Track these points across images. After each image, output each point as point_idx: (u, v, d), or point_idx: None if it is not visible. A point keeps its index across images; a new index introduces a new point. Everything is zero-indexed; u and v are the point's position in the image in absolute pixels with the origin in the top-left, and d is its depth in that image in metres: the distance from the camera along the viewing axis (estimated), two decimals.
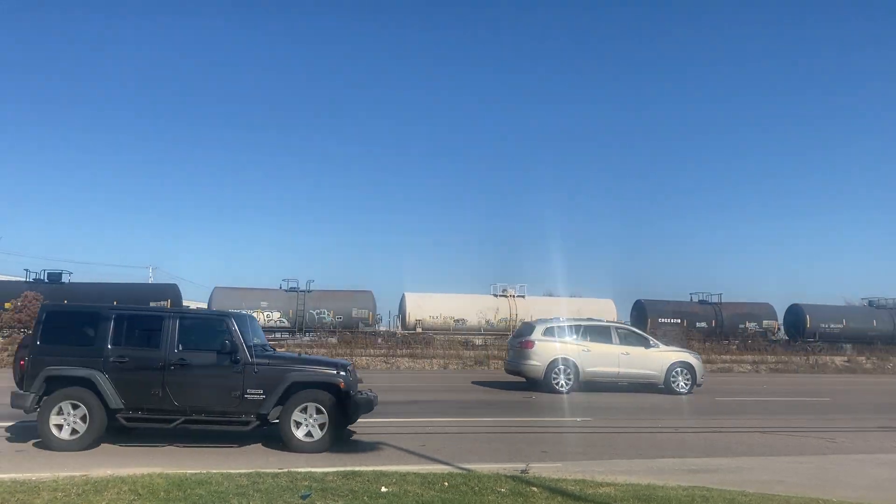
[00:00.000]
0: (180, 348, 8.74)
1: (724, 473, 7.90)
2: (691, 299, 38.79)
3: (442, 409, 13.17)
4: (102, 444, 8.70)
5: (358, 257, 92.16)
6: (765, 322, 37.38)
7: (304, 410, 8.68)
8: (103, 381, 8.48)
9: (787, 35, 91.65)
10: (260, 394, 8.66)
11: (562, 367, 16.60)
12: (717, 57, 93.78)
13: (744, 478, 7.63)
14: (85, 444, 8.41)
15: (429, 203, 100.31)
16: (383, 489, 6.29)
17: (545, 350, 16.82)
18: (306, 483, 6.40)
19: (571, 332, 17.34)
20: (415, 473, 7.01)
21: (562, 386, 16.48)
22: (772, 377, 26.14)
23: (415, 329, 34.14)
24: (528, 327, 18.32)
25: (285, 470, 6.99)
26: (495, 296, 36.80)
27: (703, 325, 36.69)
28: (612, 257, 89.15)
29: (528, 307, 35.62)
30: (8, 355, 23.37)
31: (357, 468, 7.19)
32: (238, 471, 6.93)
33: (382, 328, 36.17)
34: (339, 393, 8.81)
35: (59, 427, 8.44)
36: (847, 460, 9.04)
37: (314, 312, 34.14)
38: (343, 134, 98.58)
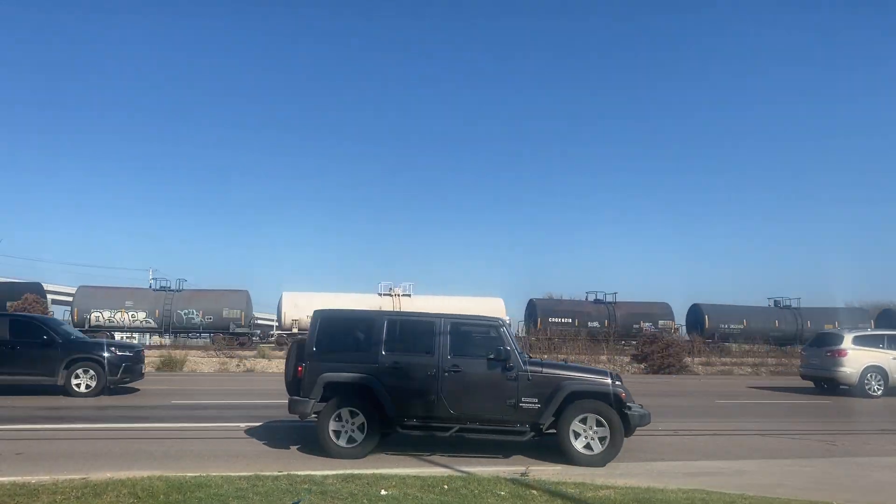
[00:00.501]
0: (453, 355, 8.52)
1: (724, 476, 7.90)
2: (587, 298, 38.19)
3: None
4: (101, 445, 8.71)
5: (245, 256, 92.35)
6: (661, 322, 36.85)
7: (584, 421, 8.37)
8: (380, 389, 8.35)
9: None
10: (535, 403, 8.36)
11: (874, 374, 18.32)
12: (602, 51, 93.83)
13: (744, 481, 7.63)
14: (364, 452, 8.33)
15: (323, 203, 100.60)
16: (383, 492, 6.29)
17: (858, 358, 18.45)
18: (306, 486, 6.40)
19: (879, 341, 19.05)
20: (414, 476, 7.01)
21: (875, 391, 18.17)
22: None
23: (291, 329, 33.45)
24: (836, 337, 19.59)
25: (285, 473, 6.99)
26: (380, 295, 35.88)
27: (596, 324, 36.13)
28: (504, 256, 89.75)
29: (414, 306, 34.70)
30: None
31: (356, 471, 7.19)
32: (237, 473, 6.92)
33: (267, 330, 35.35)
34: (619, 404, 8.41)
35: (338, 434, 8.39)
36: (848, 463, 9.03)
37: (182, 313, 33.52)
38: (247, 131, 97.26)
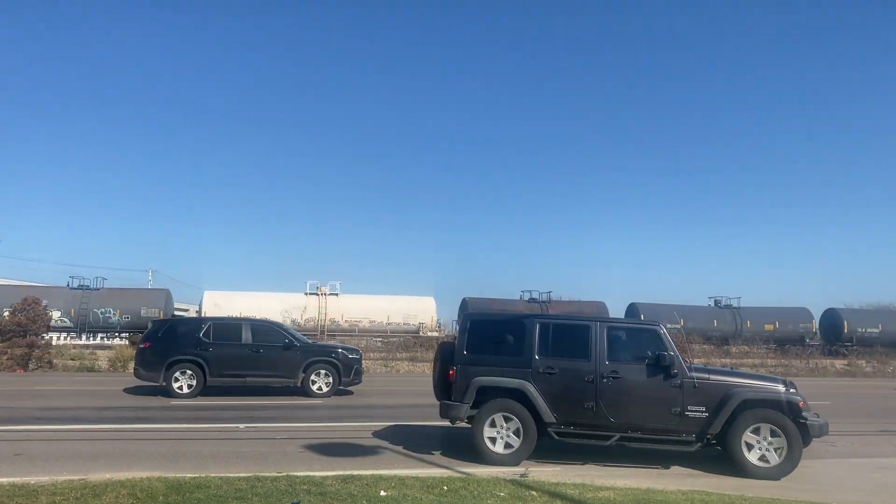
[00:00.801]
0: (611, 360, 8.27)
1: (724, 477, 7.89)
2: (521, 297, 37.46)
3: None
4: (100, 446, 8.70)
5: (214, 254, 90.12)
6: None
7: (756, 432, 8.00)
8: (535, 393, 8.20)
9: None
10: (702, 411, 8.02)
11: None
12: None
13: (743, 482, 7.62)
14: (519, 459, 8.15)
15: (249, 201, 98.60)
16: (382, 493, 6.28)
17: None
18: (305, 487, 6.39)
19: None
20: (414, 477, 7.00)
21: None
22: None
23: None
24: None
25: (284, 474, 6.98)
26: (306, 294, 35.31)
27: None
28: (438, 256, 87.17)
29: (342, 305, 34.69)
30: (7, 358, 23.38)
31: (356, 472, 7.18)
32: (236, 474, 6.92)
33: None
34: (793, 412, 7.99)
35: (493, 440, 8.27)
36: (848, 464, 9.02)
37: (99, 312, 32.74)
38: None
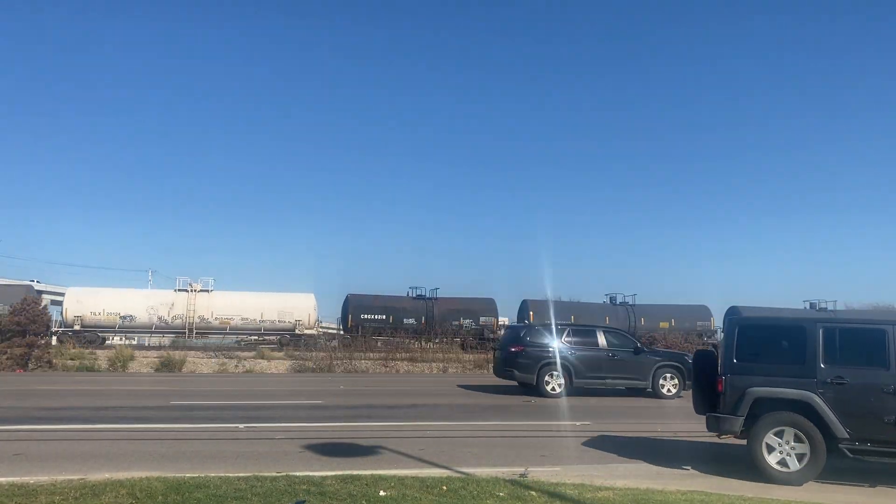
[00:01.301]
0: None
1: (723, 477, 7.89)
2: (409, 294, 36.90)
3: None
4: (99, 445, 8.70)
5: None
6: (482, 318, 35.90)
7: None
8: (822, 406, 7.48)
9: None
10: None
11: None
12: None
13: (742, 483, 7.62)
14: (806, 478, 7.52)
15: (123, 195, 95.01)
16: (382, 493, 6.27)
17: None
18: (304, 487, 6.38)
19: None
20: (413, 477, 7.00)
21: None
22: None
23: (73, 326, 32.29)
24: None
25: (283, 474, 6.98)
26: (176, 291, 34.37)
27: (412, 321, 34.99)
28: (320, 252, 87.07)
29: (213, 303, 33.83)
30: (6, 358, 23.37)
31: (355, 472, 7.17)
32: (236, 474, 6.91)
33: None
34: None
35: (776, 457, 7.69)
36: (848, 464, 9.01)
37: None
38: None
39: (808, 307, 39.51)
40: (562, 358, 16.63)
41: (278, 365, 26.76)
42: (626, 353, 17.18)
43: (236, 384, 19.94)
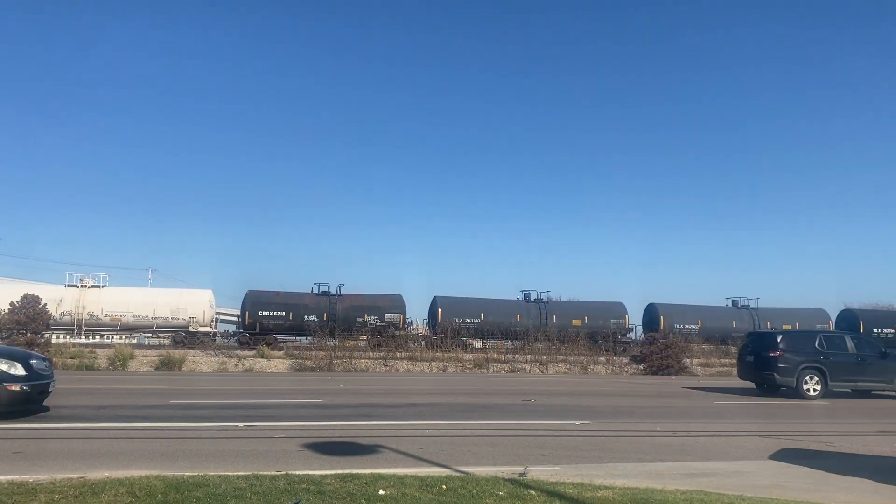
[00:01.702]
0: None
1: (723, 477, 7.89)
2: (312, 291, 36.39)
3: None
4: (99, 444, 8.69)
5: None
6: (388, 315, 35.59)
7: None
8: None
9: None
10: None
11: None
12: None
13: (743, 482, 7.62)
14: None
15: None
16: (381, 492, 6.27)
17: None
18: (304, 485, 6.38)
19: None
20: (412, 476, 7.00)
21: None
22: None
23: None
24: None
25: (283, 472, 6.98)
26: (65, 286, 33.73)
27: (314, 318, 34.43)
28: (221, 247, 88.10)
29: (104, 299, 33.28)
30: None
31: (355, 471, 7.17)
32: (235, 473, 6.92)
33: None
34: None
35: None
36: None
37: None
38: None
39: (729, 304, 40.32)
40: (818, 362, 18.17)
41: (278, 364, 26.80)
42: (872, 357, 18.73)
43: (236, 383, 19.98)
